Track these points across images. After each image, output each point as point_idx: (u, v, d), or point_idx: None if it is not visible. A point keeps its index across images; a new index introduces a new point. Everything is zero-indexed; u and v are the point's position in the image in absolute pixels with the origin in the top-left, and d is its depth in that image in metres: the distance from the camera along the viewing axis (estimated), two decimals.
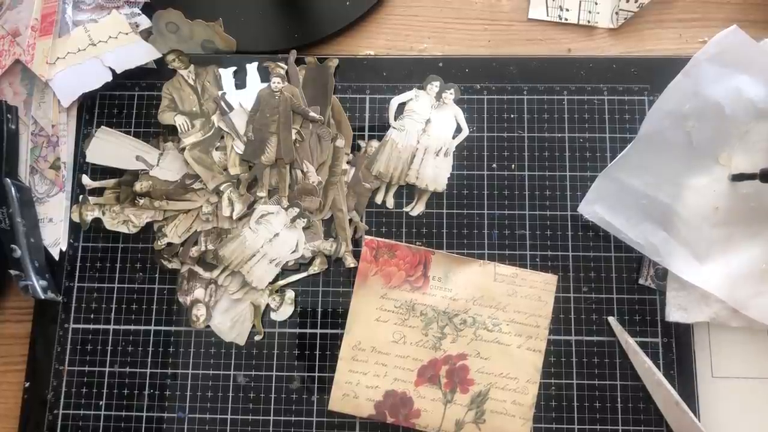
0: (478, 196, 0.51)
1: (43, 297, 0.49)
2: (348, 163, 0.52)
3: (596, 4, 0.56)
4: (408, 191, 0.52)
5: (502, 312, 0.48)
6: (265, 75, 0.54)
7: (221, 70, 0.54)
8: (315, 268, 0.50)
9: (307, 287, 0.50)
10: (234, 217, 0.51)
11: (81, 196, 0.52)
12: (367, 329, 0.49)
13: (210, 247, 0.50)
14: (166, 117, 0.53)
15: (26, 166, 0.53)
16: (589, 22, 0.55)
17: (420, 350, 0.48)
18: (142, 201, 0.52)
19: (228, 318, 0.50)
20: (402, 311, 0.49)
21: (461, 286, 0.49)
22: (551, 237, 0.50)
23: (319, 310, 0.50)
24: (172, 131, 0.53)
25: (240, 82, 0.54)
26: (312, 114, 0.52)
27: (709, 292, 0.47)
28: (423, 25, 0.57)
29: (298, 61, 0.54)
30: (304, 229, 0.51)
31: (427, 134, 0.52)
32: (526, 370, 0.48)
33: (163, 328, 0.50)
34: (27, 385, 0.49)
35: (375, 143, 0.52)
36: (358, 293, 0.49)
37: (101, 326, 0.50)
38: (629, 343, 0.47)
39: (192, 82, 0.54)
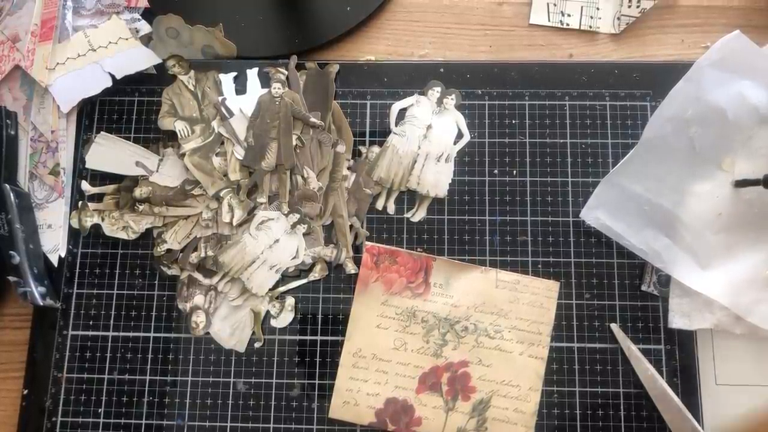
0: (479, 201, 0.51)
1: (41, 303, 0.48)
2: (349, 168, 0.52)
3: (598, 9, 0.55)
4: (409, 197, 0.52)
5: (504, 319, 0.48)
6: (265, 80, 0.54)
7: (221, 76, 0.54)
8: (315, 275, 0.50)
9: (308, 294, 0.50)
10: (234, 223, 0.50)
11: (80, 202, 0.52)
12: (368, 336, 0.48)
13: (210, 253, 0.50)
14: (166, 122, 0.53)
15: (25, 171, 0.53)
16: (590, 27, 0.55)
17: (421, 357, 0.48)
18: (141, 207, 0.51)
19: (228, 325, 0.50)
20: (403, 318, 0.49)
21: (463, 293, 0.49)
22: (553, 243, 0.50)
23: (320, 316, 0.50)
24: (171, 137, 0.53)
25: (240, 88, 0.54)
26: (312, 119, 0.52)
27: (713, 299, 0.46)
28: (424, 31, 0.56)
29: (299, 67, 0.54)
30: (305, 235, 0.50)
31: (428, 140, 0.52)
32: (528, 377, 0.47)
33: (162, 334, 0.50)
34: (25, 392, 0.49)
35: (376, 149, 0.52)
36: (358, 300, 0.49)
37: (100, 333, 0.50)
38: (632, 350, 0.47)
39: (192, 88, 0.54)
